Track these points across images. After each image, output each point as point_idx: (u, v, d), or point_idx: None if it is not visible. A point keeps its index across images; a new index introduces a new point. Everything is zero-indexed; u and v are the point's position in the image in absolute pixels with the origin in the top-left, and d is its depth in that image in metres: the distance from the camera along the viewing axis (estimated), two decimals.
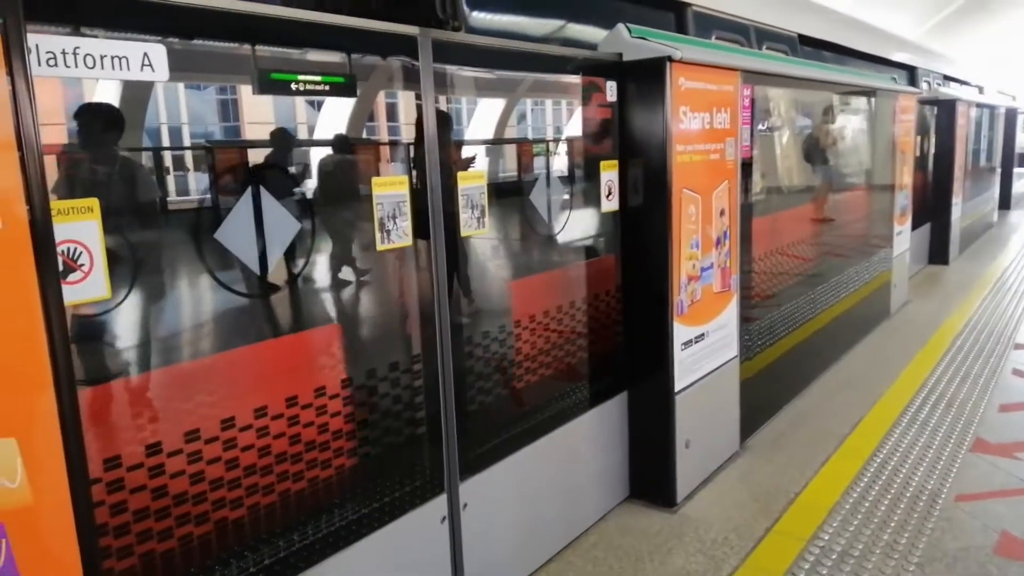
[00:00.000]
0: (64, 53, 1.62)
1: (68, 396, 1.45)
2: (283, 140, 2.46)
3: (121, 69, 1.73)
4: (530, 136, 3.62)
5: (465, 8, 3.23)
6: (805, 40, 6.22)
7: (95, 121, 1.86)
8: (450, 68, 2.83)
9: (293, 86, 2.23)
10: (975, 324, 6.94)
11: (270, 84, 2.20)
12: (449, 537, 2.82)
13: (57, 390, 1.43)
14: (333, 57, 2.45)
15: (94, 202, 1.69)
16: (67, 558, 1.46)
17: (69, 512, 1.46)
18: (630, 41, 3.51)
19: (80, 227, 1.67)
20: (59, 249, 1.63)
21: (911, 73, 9.88)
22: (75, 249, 1.67)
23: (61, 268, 1.63)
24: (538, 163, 3.53)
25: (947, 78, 11.77)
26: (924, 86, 10.01)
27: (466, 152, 3.19)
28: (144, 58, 1.77)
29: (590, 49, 3.59)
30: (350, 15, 2.38)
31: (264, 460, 2.28)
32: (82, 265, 1.68)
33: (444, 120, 3.23)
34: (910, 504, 3.67)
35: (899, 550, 3.28)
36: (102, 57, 1.68)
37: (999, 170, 14.56)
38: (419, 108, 2.59)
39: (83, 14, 1.73)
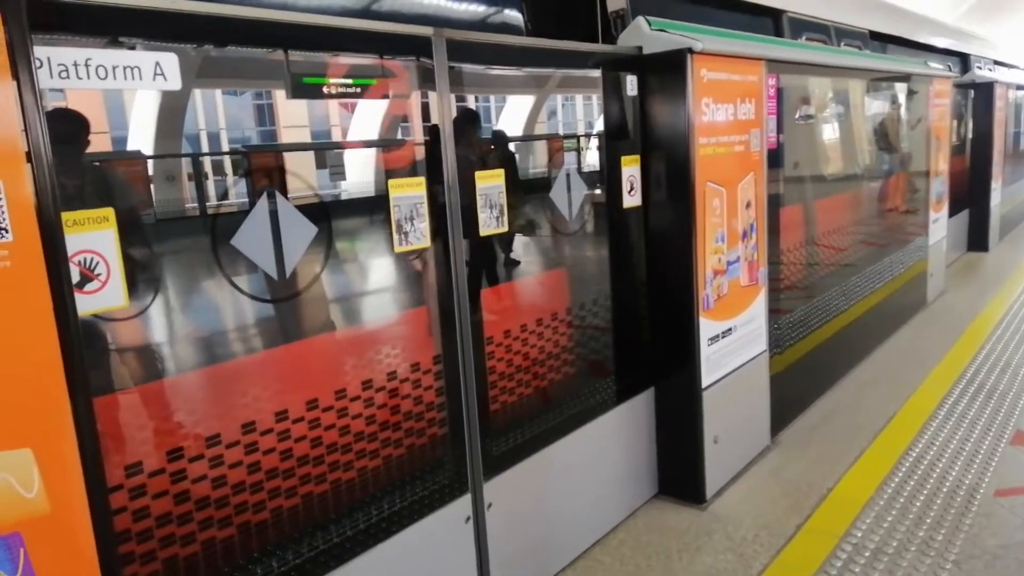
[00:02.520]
0: (76, 65, 1.64)
1: (84, 405, 1.47)
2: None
3: (133, 79, 1.74)
4: (547, 133, 3.60)
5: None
6: (875, 35, 6.91)
7: None
8: (467, 67, 2.82)
9: (325, 90, 2.24)
10: (1016, 312, 6.76)
11: (303, 88, 2.22)
12: (474, 537, 2.82)
13: (72, 399, 1.45)
14: (355, 61, 2.47)
15: (109, 212, 1.71)
16: (86, 567, 1.48)
17: (87, 520, 1.48)
18: (650, 34, 3.46)
19: (96, 236, 1.69)
20: (76, 259, 1.65)
21: (964, 60, 10.08)
22: (92, 259, 1.68)
23: (78, 278, 1.65)
24: (559, 159, 3.51)
25: (997, 63, 11.72)
26: (976, 71, 9.89)
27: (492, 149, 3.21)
28: (156, 67, 1.78)
29: (611, 44, 3.55)
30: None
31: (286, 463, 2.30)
32: (99, 275, 1.70)
33: (471, 117, 3.25)
34: (947, 499, 3.58)
35: (935, 547, 3.20)
36: (113, 68, 1.69)
37: None
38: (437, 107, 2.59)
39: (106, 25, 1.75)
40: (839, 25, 6.17)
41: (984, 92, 9.46)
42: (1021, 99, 11.79)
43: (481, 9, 3.29)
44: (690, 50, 3.35)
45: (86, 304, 1.67)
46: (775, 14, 5.22)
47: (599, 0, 3.62)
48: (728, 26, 4.18)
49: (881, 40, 7.33)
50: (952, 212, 8.17)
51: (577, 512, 3.33)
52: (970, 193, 9.61)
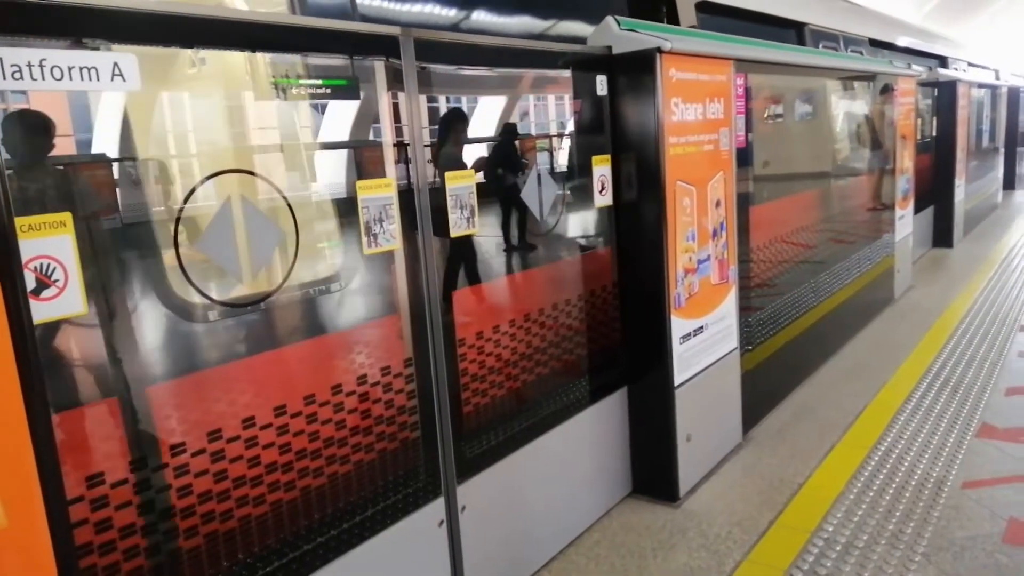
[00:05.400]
0: (30, 66, 1.59)
1: (41, 414, 1.42)
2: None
3: (90, 80, 1.70)
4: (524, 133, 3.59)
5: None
6: (873, 42, 8.16)
7: None
8: (435, 67, 2.79)
9: (294, 91, 2.21)
10: (980, 307, 6.89)
11: (272, 89, 2.19)
12: (448, 541, 2.80)
13: (28, 409, 1.40)
14: (323, 62, 2.44)
15: (67, 216, 1.66)
16: None
17: (46, 534, 1.44)
18: (619, 33, 3.46)
19: (53, 242, 1.64)
20: (31, 265, 1.60)
21: (943, 62, 10.93)
22: (49, 265, 1.64)
23: (34, 285, 1.61)
24: (533, 159, 3.50)
25: (971, 64, 12.51)
26: (939, 70, 10.20)
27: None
28: (114, 68, 1.74)
29: (580, 43, 3.55)
30: None
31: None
32: (56, 281, 1.65)
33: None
34: (915, 492, 3.63)
35: (905, 540, 3.24)
36: (70, 69, 1.65)
37: (1002, 150, 14.42)
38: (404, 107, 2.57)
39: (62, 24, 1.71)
40: (846, 34, 7.35)
41: (947, 91, 9.62)
42: (984, 97, 12.02)
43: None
44: (659, 49, 3.35)
45: (43, 311, 1.62)
46: (799, 27, 6.40)
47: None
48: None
49: (877, 46, 8.27)
50: (917, 209, 8.31)
51: (552, 513, 3.32)
52: (934, 190, 9.77)
